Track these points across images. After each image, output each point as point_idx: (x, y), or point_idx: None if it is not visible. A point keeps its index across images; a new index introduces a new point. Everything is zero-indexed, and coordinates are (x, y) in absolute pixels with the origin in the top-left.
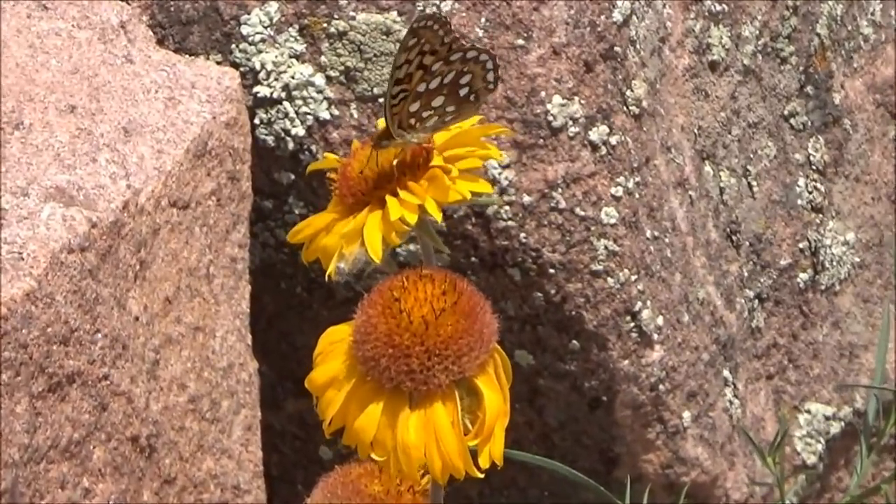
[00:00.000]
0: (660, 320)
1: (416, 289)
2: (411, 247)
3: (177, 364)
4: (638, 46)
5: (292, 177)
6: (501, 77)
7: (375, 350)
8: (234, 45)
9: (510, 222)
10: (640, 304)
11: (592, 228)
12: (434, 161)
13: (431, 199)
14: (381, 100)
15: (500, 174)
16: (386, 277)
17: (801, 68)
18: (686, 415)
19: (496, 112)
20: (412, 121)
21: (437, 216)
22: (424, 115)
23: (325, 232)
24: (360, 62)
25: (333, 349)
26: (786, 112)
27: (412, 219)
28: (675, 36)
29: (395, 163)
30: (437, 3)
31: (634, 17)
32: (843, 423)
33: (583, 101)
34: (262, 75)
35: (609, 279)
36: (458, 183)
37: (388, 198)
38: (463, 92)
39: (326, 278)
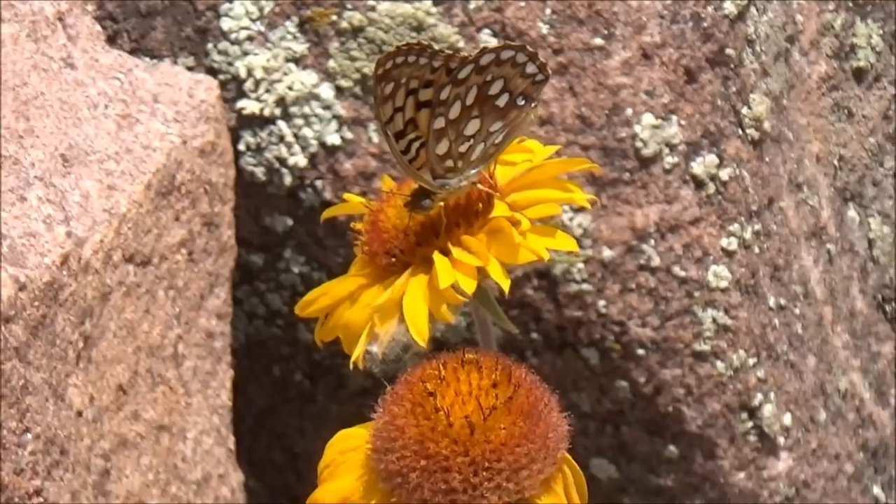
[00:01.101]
0: (787, 419)
1: (458, 379)
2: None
3: (134, 475)
4: (757, 48)
5: (290, 222)
6: (545, 63)
7: (403, 462)
8: (210, 45)
9: (585, 285)
10: (760, 396)
11: (696, 294)
12: (497, 209)
13: (495, 260)
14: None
15: (570, 220)
16: (417, 362)
17: None
18: None
19: (566, 136)
20: (449, 162)
21: (504, 284)
22: (462, 148)
23: (348, 303)
24: None
25: (345, 460)
26: None
27: (469, 286)
28: (807, 34)
29: (441, 209)
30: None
31: (753, 9)
32: None
33: (683, 122)
34: (248, 85)
35: (718, 363)
36: (531, 238)
37: (437, 257)
38: (501, 101)
39: (351, 366)
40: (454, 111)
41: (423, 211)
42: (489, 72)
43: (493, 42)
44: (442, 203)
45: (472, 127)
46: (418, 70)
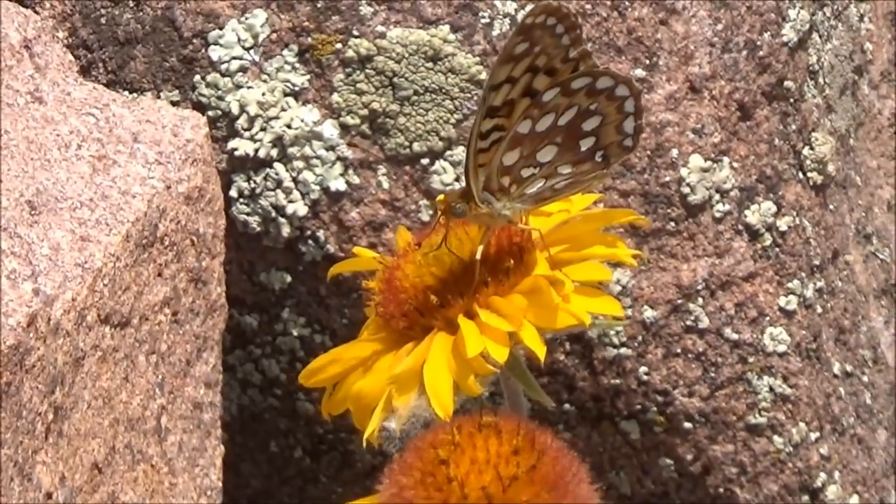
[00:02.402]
0: (854, 501)
1: (474, 445)
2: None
3: None
4: (821, 80)
5: (288, 279)
6: (643, 127)
7: None
8: (198, 77)
9: (624, 350)
10: (823, 476)
11: (751, 360)
12: (539, 267)
13: (531, 326)
14: (424, 161)
15: None
16: (429, 427)
17: None
18: None
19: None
20: (506, 181)
21: (540, 352)
22: (525, 173)
23: (361, 371)
24: (394, 103)
25: None
26: None
27: (501, 355)
28: (877, 65)
29: (479, 256)
30: (512, 12)
31: (815, 36)
32: None
33: (736, 165)
34: (241, 123)
35: (776, 438)
36: (574, 300)
37: (463, 321)
38: (586, 145)
39: (364, 443)
40: (544, 123)
41: (454, 216)
42: (597, 100)
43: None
44: (467, 242)
45: (547, 154)
46: (555, 48)
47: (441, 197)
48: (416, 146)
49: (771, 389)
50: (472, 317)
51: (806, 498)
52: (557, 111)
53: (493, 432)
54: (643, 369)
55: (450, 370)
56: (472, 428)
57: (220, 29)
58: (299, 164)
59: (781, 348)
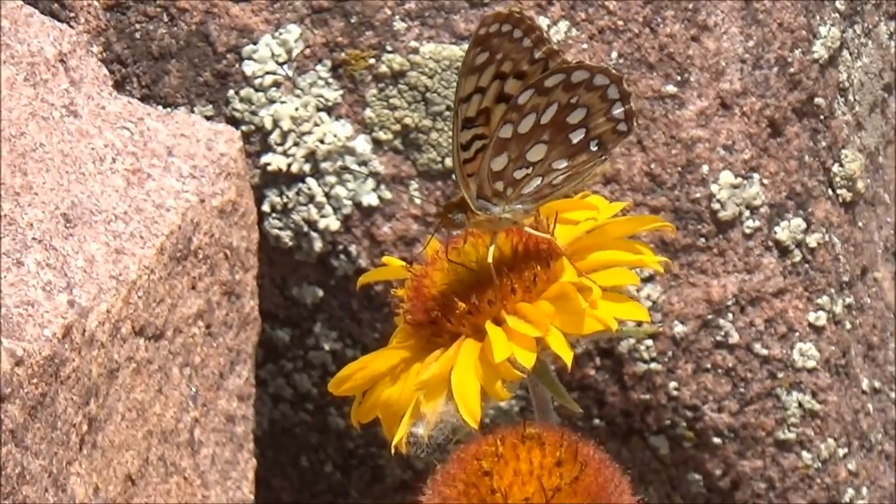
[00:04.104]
0: None
1: (517, 457)
2: (502, 402)
3: None
4: (851, 98)
5: (320, 293)
6: (637, 112)
7: None
8: (231, 92)
9: (654, 365)
10: (851, 492)
11: (780, 375)
12: (567, 273)
13: (558, 332)
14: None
15: (637, 290)
16: (470, 439)
17: None
18: None
19: (633, 196)
20: (499, 185)
21: (567, 357)
22: (518, 175)
23: (389, 378)
24: (426, 118)
25: None
26: None
27: (528, 361)
28: None
29: (491, 264)
30: (545, 28)
31: (846, 53)
32: None
33: (766, 181)
34: (274, 137)
35: (805, 454)
36: (601, 306)
37: (490, 327)
38: (576, 137)
39: (392, 450)
40: (526, 124)
41: (454, 226)
42: (577, 93)
43: None
44: (482, 245)
45: (537, 153)
46: (518, 52)
47: (431, 240)
48: (448, 161)
49: (800, 405)
50: (500, 323)
51: None
52: (537, 111)
53: (537, 444)
54: (673, 384)
55: (477, 376)
56: (516, 439)
57: (254, 44)
58: (332, 178)
59: (810, 364)
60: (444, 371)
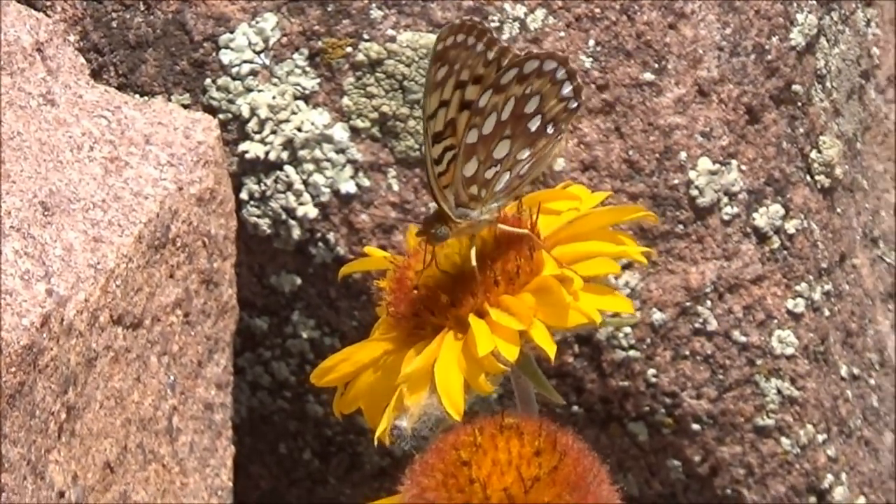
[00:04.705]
0: (861, 503)
1: (496, 446)
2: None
3: None
4: (828, 84)
5: (298, 281)
6: (582, 86)
7: None
8: (209, 81)
9: (632, 352)
10: (830, 477)
11: (759, 362)
12: (547, 266)
13: (541, 325)
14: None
15: (615, 277)
16: (449, 429)
17: None
18: None
19: (611, 183)
20: (474, 189)
21: (550, 350)
22: (488, 175)
23: (372, 370)
24: (404, 106)
25: None
26: None
27: (511, 354)
28: (884, 69)
29: (475, 263)
30: (522, 16)
31: (823, 40)
32: None
33: (744, 168)
34: (252, 126)
35: (783, 440)
36: (584, 298)
37: (473, 320)
38: (534, 125)
39: (375, 442)
40: (489, 125)
41: (438, 241)
42: (530, 83)
43: None
44: (464, 240)
45: (502, 149)
46: (473, 58)
47: (412, 229)
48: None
49: (779, 392)
50: (483, 316)
51: (813, 499)
52: (497, 109)
53: (515, 434)
54: (651, 371)
55: (460, 369)
56: (494, 429)
57: (231, 33)
58: (309, 166)
59: (789, 351)
60: (427, 364)
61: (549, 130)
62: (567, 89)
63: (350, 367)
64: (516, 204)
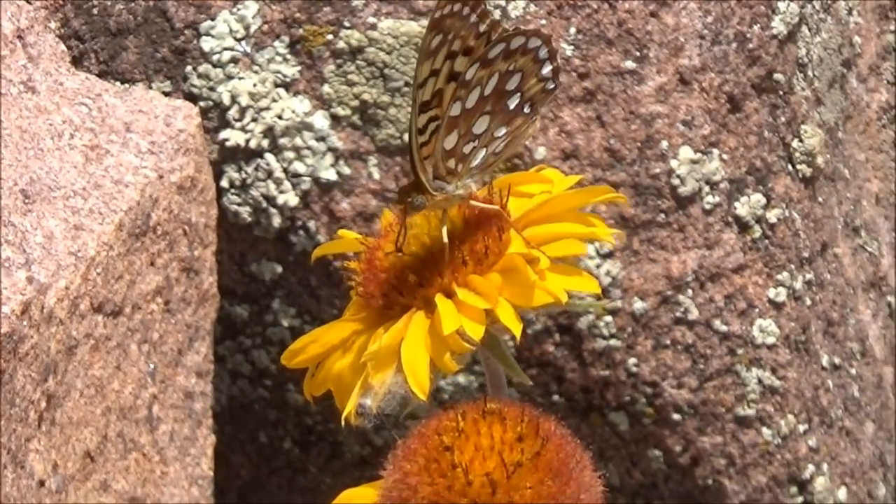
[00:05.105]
0: (842, 494)
1: (479, 432)
2: (461, 378)
3: None
4: (810, 73)
5: (278, 269)
6: (560, 67)
7: None
8: (189, 68)
9: (613, 341)
10: (811, 468)
11: (739, 352)
12: (514, 244)
13: (507, 304)
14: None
15: (597, 266)
16: (430, 415)
17: None
18: None
19: (592, 172)
20: (452, 163)
21: (515, 328)
22: (466, 150)
23: (341, 351)
24: (385, 94)
25: None
26: None
27: (476, 333)
28: (866, 58)
29: (446, 241)
30: (503, 3)
31: (805, 29)
32: None
33: (725, 157)
34: (232, 113)
35: (764, 430)
36: (550, 278)
37: (440, 299)
38: (513, 103)
39: (342, 422)
40: (472, 99)
41: (414, 210)
42: (514, 60)
43: None
44: (445, 235)
45: (482, 125)
46: (466, 29)
47: (386, 212)
48: (406, 137)
49: (760, 381)
50: (451, 295)
51: (794, 489)
52: (482, 84)
53: (498, 419)
54: (632, 361)
55: (427, 348)
56: (477, 415)
57: (212, 20)
58: (290, 154)
59: (770, 340)
60: (393, 343)
61: (526, 110)
62: (547, 69)
63: (319, 349)
64: (487, 187)
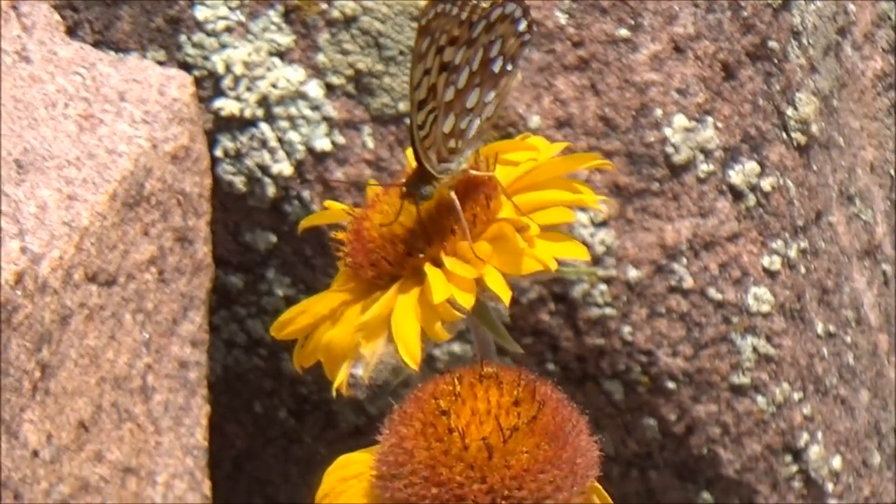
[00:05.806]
0: (836, 462)
1: (475, 396)
2: (456, 346)
3: None
4: (804, 41)
5: (273, 239)
6: (535, 20)
7: (411, 490)
8: (183, 37)
9: (608, 310)
10: (806, 436)
11: (734, 320)
12: (503, 210)
13: (495, 271)
14: (409, 121)
15: (591, 235)
16: (427, 380)
17: None
18: None
19: (587, 140)
20: (452, 142)
21: (504, 295)
22: (463, 125)
23: (330, 321)
24: (379, 63)
25: (346, 489)
26: None
27: (467, 301)
28: (861, 26)
29: (455, 199)
30: None
31: None
32: None
33: (720, 125)
34: (226, 82)
35: (759, 398)
36: (539, 245)
37: (429, 268)
38: (496, 65)
39: (333, 393)
40: (462, 79)
41: (424, 199)
42: (494, 30)
43: None
44: (454, 194)
45: (473, 98)
46: (449, 22)
47: (372, 182)
48: (401, 106)
49: (754, 349)
50: (440, 264)
51: (789, 458)
52: (469, 63)
53: (494, 383)
54: (627, 329)
55: (417, 317)
56: (473, 379)
57: None
58: (284, 123)
59: (765, 308)
60: (383, 312)
61: (508, 68)
62: (522, 25)
63: (309, 319)
64: (474, 155)
